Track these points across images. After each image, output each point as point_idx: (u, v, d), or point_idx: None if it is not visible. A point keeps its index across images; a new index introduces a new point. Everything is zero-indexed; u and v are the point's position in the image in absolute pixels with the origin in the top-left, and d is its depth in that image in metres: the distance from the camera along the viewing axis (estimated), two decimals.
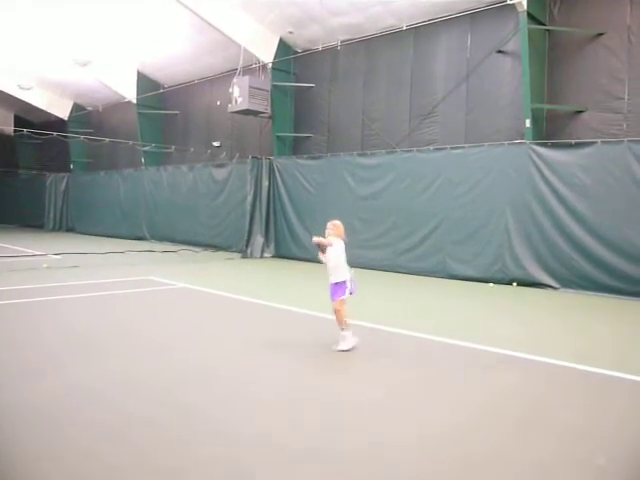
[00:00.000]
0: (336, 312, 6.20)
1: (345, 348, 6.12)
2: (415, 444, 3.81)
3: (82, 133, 24.51)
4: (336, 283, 6.25)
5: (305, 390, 4.92)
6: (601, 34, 11.41)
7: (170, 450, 3.57)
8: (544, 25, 11.95)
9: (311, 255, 15.52)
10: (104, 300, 9.13)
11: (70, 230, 27.37)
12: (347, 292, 6.22)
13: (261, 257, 16.72)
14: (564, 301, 10.11)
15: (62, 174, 28.05)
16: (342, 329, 6.19)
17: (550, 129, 12.18)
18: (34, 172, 30.51)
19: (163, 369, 5.33)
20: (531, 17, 11.50)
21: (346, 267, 6.31)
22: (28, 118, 29.59)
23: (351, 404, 4.56)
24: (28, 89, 24.53)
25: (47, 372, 5.12)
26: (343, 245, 6.38)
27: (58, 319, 7.58)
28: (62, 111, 27.15)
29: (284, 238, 16.78)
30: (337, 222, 6.51)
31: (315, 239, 6.32)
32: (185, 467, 3.36)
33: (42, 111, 26.83)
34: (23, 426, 3.88)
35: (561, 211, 11.07)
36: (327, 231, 6.46)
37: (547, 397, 4.88)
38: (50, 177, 28.43)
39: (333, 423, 4.13)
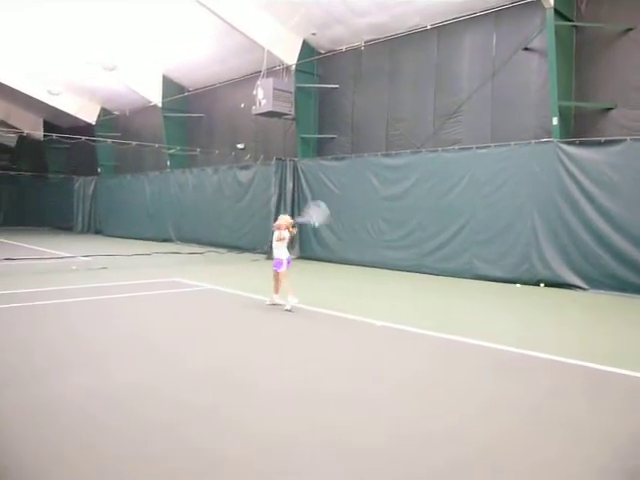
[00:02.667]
0: (277, 278, 8.75)
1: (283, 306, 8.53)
2: (420, 441, 3.81)
3: (109, 137, 24.80)
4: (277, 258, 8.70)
5: (320, 389, 4.89)
6: (630, 29, 11.18)
7: (185, 453, 3.54)
8: (571, 21, 11.75)
9: (335, 256, 15.61)
10: (130, 302, 9.22)
11: (98, 232, 27.77)
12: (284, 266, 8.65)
13: None
14: (593, 302, 9.94)
15: (90, 177, 28.50)
16: (276, 292, 8.80)
17: (578, 127, 11.96)
18: (63, 176, 31.03)
19: (180, 371, 5.32)
20: (558, 13, 11.31)
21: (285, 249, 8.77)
22: (56, 123, 30.09)
23: (368, 402, 4.54)
24: (57, 94, 24.94)
25: (65, 373, 5.14)
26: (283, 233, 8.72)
27: (85, 320, 7.67)
28: (90, 116, 27.57)
29: (308, 239, 16.77)
30: (284, 216, 9.31)
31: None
32: (200, 470, 3.33)
33: (70, 116, 27.27)
34: (34, 428, 3.87)
35: (590, 210, 10.87)
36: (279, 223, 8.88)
37: (559, 396, 4.82)
38: (78, 180, 28.92)
39: (351, 422, 4.10)
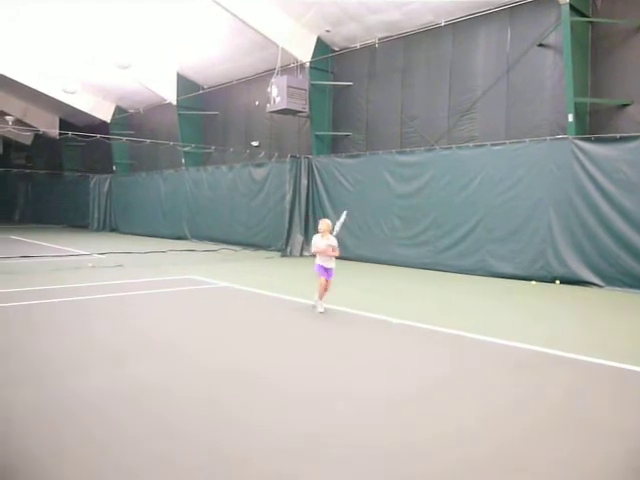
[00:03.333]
0: (328, 287, 8.19)
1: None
2: (446, 438, 3.82)
3: (124, 135, 25.02)
4: (331, 268, 8.26)
5: (336, 388, 4.92)
6: None
7: (199, 452, 3.57)
8: (587, 17, 11.68)
9: (350, 253, 15.63)
10: (148, 299, 9.33)
11: (114, 230, 28.01)
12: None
13: (300, 256, 16.81)
14: (610, 299, 9.89)
15: (105, 175, 28.73)
16: (321, 298, 8.24)
17: (594, 123, 11.90)
18: (78, 174, 31.32)
19: (197, 370, 5.36)
20: (573, 9, 11.25)
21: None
22: (72, 121, 30.37)
23: (385, 400, 4.58)
24: (72, 93, 25.16)
25: (82, 372, 5.19)
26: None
27: (102, 318, 7.76)
28: (105, 114, 27.82)
29: None
30: (327, 220, 8.49)
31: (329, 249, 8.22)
32: (213, 467, 3.37)
33: (85, 114, 27.52)
34: (49, 427, 3.90)
35: (606, 207, 10.82)
36: (321, 227, 8.33)
37: (579, 395, 4.83)
38: (94, 178, 29.16)
39: (366, 420, 4.14)
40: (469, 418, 4.22)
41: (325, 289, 8.23)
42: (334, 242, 8.26)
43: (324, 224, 8.40)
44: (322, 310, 8.18)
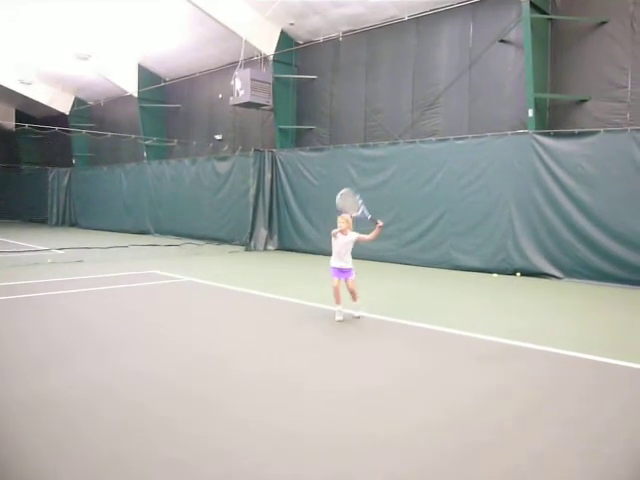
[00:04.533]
0: (352, 287, 7.43)
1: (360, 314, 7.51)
2: (415, 433, 3.82)
3: (84, 127, 24.51)
4: (349, 269, 7.48)
5: (313, 380, 4.93)
6: (604, 22, 11.35)
7: (182, 444, 3.55)
8: (547, 14, 11.89)
9: (314, 247, 15.64)
10: (109, 294, 9.14)
11: (73, 225, 27.41)
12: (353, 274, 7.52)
13: (264, 250, 16.74)
14: (568, 291, 10.11)
15: (64, 169, 28.04)
16: (338, 303, 7.37)
17: (553, 119, 12.14)
18: (37, 167, 30.53)
19: (171, 363, 5.33)
20: (534, 6, 11.43)
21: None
22: (29, 113, 29.58)
23: (358, 393, 4.58)
24: (29, 84, 24.51)
25: (54, 367, 5.11)
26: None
27: (64, 314, 7.60)
28: (63, 106, 27.15)
29: (287, 231, 16.80)
30: (346, 215, 7.71)
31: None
32: (197, 460, 3.35)
33: (43, 106, 26.83)
34: (31, 421, 3.85)
35: (565, 201, 11.06)
36: (340, 224, 7.58)
37: (549, 386, 4.88)
38: (52, 172, 28.39)
39: (341, 413, 4.14)
40: (442, 415, 4.18)
41: (352, 291, 7.40)
42: (354, 237, 7.58)
43: (343, 221, 7.56)
44: (341, 318, 7.26)
